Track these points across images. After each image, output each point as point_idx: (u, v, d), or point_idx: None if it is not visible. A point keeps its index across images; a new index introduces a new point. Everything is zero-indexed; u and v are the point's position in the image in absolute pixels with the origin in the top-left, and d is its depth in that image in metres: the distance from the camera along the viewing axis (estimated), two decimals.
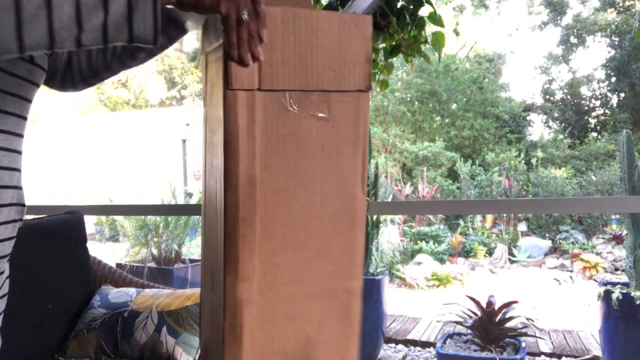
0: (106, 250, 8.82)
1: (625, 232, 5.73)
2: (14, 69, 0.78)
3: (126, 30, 0.64)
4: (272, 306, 0.79)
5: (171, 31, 0.92)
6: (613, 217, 8.05)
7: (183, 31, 0.96)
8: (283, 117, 0.77)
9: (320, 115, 0.79)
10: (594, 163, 10.98)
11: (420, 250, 7.68)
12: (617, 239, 7.42)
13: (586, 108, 14.51)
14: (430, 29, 1.68)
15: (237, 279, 0.77)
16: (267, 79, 0.76)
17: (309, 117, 0.79)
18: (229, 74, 0.74)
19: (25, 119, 0.84)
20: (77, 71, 0.97)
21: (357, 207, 0.83)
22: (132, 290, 1.73)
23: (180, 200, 7.85)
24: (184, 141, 12.73)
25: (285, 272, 0.80)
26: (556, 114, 14.44)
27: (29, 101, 0.84)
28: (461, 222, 8.92)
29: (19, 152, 0.84)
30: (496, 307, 3.11)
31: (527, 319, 3.22)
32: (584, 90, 14.66)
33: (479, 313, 3.14)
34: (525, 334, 3.12)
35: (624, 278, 5.49)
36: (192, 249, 5.84)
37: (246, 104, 0.75)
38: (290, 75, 0.77)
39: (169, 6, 0.69)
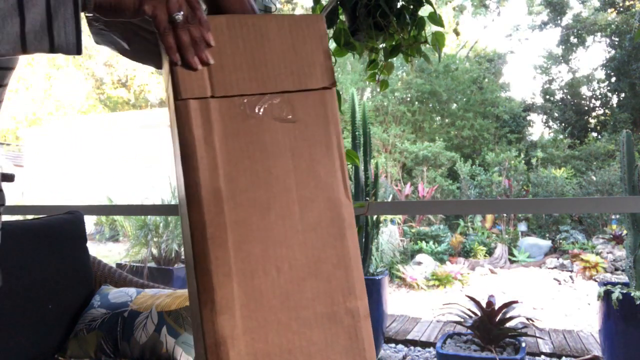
0: (106, 250, 8.82)
1: (625, 232, 5.73)
2: None
3: (47, 39, 0.61)
4: (263, 341, 0.68)
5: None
6: (613, 217, 8.05)
7: None
8: (244, 123, 0.72)
9: (284, 118, 0.74)
10: (594, 163, 10.98)
11: (420, 250, 7.68)
12: (617, 239, 7.42)
13: (586, 108, 14.51)
14: (430, 29, 1.68)
15: (215, 311, 0.67)
16: (220, 84, 0.71)
17: (272, 122, 0.73)
18: (177, 83, 0.69)
19: None
20: None
21: (344, 214, 0.74)
22: (132, 290, 1.73)
23: None
24: None
25: (271, 298, 0.69)
26: (556, 114, 14.44)
27: None
28: (461, 222, 8.92)
29: None
30: (496, 307, 3.11)
31: (527, 319, 3.22)
32: (584, 90, 14.67)
33: (479, 313, 3.14)
34: (525, 334, 3.12)
35: (624, 278, 5.49)
36: None
37: (200, 114, 0.70)
38: (245, 79, 0.72)
39: (89, 14, 0.65)
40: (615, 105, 13.58)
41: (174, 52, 0.65)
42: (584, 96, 14.63)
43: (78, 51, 0.63)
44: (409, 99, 13.87)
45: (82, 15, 0.64)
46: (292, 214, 0.72)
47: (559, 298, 5.90)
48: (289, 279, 0.70)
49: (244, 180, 0.71)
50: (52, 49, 0.62)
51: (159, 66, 0.83)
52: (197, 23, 0.66)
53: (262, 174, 0.72)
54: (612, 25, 13.55)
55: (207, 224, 0.68)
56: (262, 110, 0.73)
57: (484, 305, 3.11)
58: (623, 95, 13.27)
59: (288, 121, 0.74)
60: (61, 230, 1.77)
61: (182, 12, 0.65)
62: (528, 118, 14.36)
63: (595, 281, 6.31)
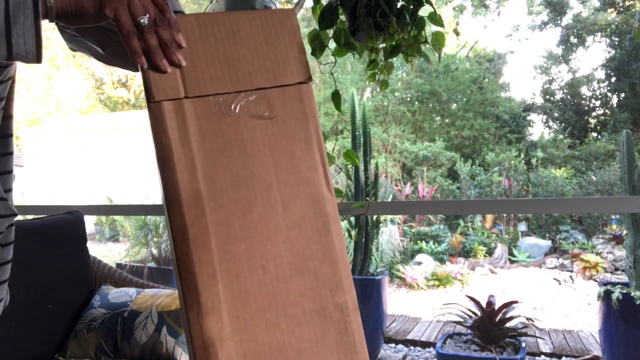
0: (106, 250, 8.83)
1: (625, 232, 5.73)
2: None
3: (4, 46, 0.61)
4: (252, 341, 0.68)
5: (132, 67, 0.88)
6: (613, 217, 8.05)
7: None
8: (220, 123, 0.71)
9: (261, 115, 0.73)
10: (594, 163, 10.98)
11: (420, 250, 7.68)
12: (617, 239, 7.42)
13: (586, 108, 14.51)
14: (430, 29, 1.69)
15: (202, 314, 0.66)
16: (193, 84, 0.71)
17: (249, 119, 0.73)
18: (149, 86, 0.69)
19: None
20: None
21: (328, 209, 0.74)
22: (132, 290, 1.73)
23: None
24: None
25: (258, 297, 0.69)
26: (556, 114, 14.45)
27: None
28: (461, 222, 8.92)
29: None
30: (496, 307, 3.11)
31: (527, 319, 3.22)
32: (584, 90, 14.67)
33: (479, 313, 3.14)
34: (525, 334, 3.12)
35: (624, 278, 5.49)
36: None
37: (175, 115, 0.70)
38: (219, 78, 0.72)
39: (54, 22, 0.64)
40: (615, 105, 13.58)
41: (139, 56, 0.63)
42: (584, 96, 14.64)
43: (38, 59, 0.62)
44: (409, 99, 13.88)
45: (44, 23, 0.63)
46: (274, 212, 0.71)
47: (559, 298, 5.90)
48: (275, 277, 0.70)
49: (223, 180, 0.70)
50: (10, 56, 0.62)
51: (137, 69, 0.82)
52: (165, 25, 0.64)
53: (242, 172, 0.71)
54: (612, 25, 13.55)
55: (188, 226, 0.68)
56: (238, 108, 0.72)
57: (484, 305, 3.11)
58: (623, 95, 13.27)
59: (265, 118, 0.73)
60: (61, 230, 1.77)
61: (147, 16, 0.63)
62: (528, 118, 14.37)
63: (595, 281, 6.31)
